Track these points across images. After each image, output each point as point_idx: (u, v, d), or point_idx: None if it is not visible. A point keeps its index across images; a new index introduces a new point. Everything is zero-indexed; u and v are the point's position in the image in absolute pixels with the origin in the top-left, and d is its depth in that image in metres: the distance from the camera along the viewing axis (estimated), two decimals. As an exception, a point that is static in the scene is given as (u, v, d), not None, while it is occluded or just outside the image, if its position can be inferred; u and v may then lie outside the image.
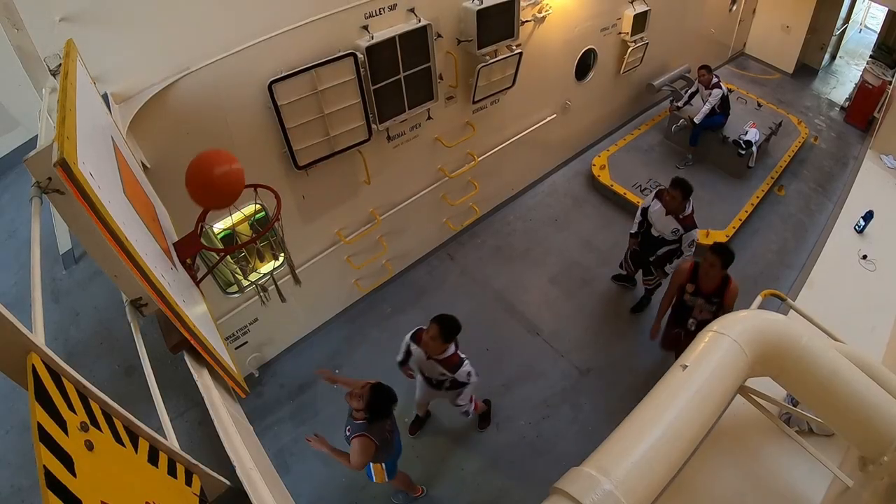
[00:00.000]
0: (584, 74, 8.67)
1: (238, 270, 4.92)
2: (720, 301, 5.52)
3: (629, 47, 8.69)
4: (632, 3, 8.39)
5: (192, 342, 2.77)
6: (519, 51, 6.44)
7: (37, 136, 3.70)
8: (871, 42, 13.34)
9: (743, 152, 8.90)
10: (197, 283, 3.49)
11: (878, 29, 13.09)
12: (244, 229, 5.01)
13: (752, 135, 9.00)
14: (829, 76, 13.25)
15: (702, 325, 4.95)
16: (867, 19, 15.46)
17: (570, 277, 7.69)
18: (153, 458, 2.07)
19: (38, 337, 1.71)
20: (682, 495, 4.36)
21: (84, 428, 1.65)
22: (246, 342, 6.11)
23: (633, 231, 6.68)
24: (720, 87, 8.83)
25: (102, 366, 5.80)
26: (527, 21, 6.75)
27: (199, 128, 4.61)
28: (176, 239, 3.52)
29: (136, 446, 1.97)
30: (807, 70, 13.05)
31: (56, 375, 1.65)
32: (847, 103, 11.81)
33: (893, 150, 9.59)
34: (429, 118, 6.42)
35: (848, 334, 4.91)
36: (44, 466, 1.34)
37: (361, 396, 4.14)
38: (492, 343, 6.81)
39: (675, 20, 9.86)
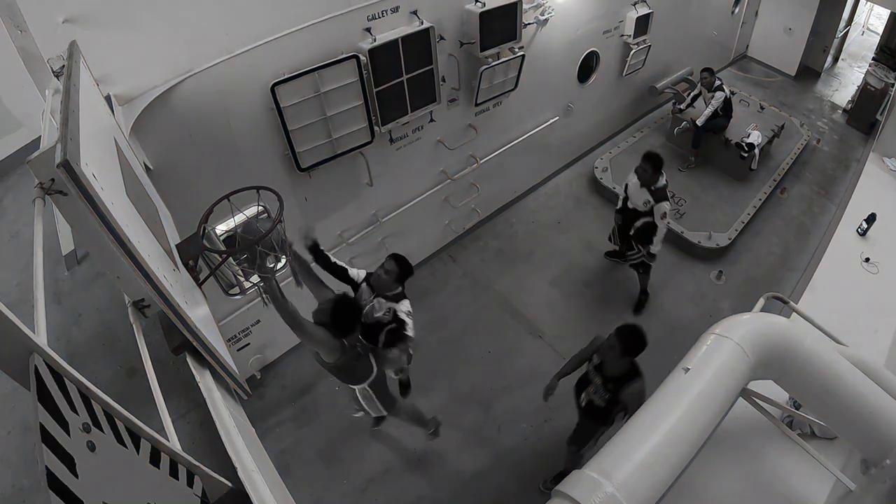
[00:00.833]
0: (586, 77, 8.67)
1: (240, 272, 4.92)
2: (615, 394, 4.57)
3: (632, 50, 8.68)
4: (634, 5, 8.39)
5: (194, 344, 2.77)
6: (521, 53, 6.43)
7: (40, 137, 3.70)
8: (873, 44, 13.32)
9: (745, 155, 8.89)
10: (199, 285, 3.49)
11: (881, 31, 13.08)
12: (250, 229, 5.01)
13: (755, 137, 8.99)
14: (832, 79, 13.23)
15: (590, 407, 4.83)
16: (870, 21, 15.43)
17: (572, 280, 7.69)
18: (155, 460, 2.07)
19: (41, 338, 1.72)
20: (683, 498, 4.35)
21: (86, 429, 1.65)
22: (248, 344, 6.10)
23: (618, 207, 7.03)
24: (722, 90, 8.82)
25: (104, 367, 5.82)
26: (529, 23, 6.75)
27: (201, 130, 4.62)
28: (178, 240, 3.53)
29: (137, 447, 1.98)
30: (809, 72, 13.03)
31: (58, 376, 1.66)
32: (849, 106, 11.78)
33: (896, 153, 9.58)
34: (431, 120, 6.43)
35: (850, 337, 4.90)
36: (46, 467, 1.35)
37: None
38: (494, 345, 6.81)
39: (678, 23, 9.85)
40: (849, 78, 13.22)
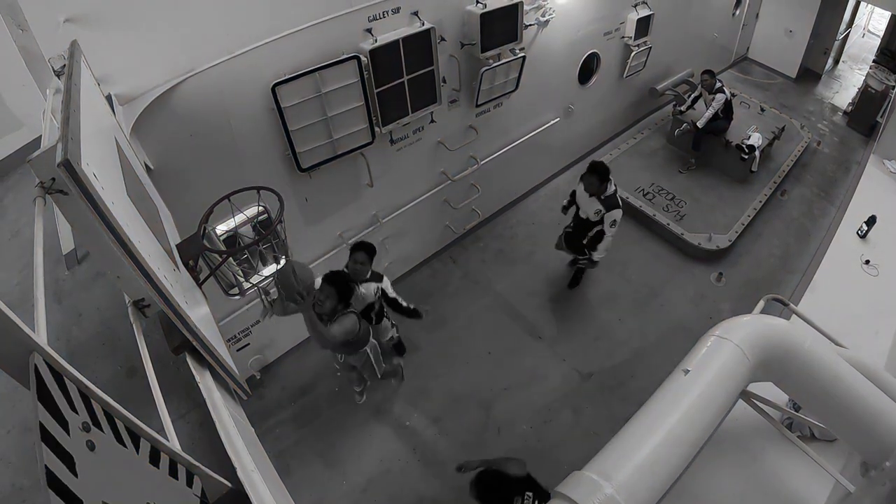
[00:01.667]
0: (587, 78, 8.67)
1: (240, 272, 4.92)
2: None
3: (632, 51, 8.69)
4: (635, 7, 8.40)
5: (194, 344, 2.77)
6: (522, 54, 6.44)
7: (40, 136, 3.70)
8: (874, 47, 13.35)
9: (746, 157, 8.89)
10: (199, 285, 3.49)
11: (882, 33, 13.10)
12: (247, 231, 5.02)
13: (755, 139, 9.00)
14: (832, 81, 13.24)
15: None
16: (870, 24, 15.44)
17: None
18: (154, 459, 2.07)
19: (41, 337, 1.72)
20: (683, 500, 4.35)
21: (86, 428, 1.66)
22: (248, 344, 6.11)
23: (564, 211, 6.94)
24: (723, 92, 8.82)
25: (104, 366, 5.81)
26: (530, 25, 6.75)
27: (202, 130, 4.62)
28: (179, 240, 3.53)
29: (137, 447, 1.98)
30: (810, 74, 13.04)
31: (58, 375, 1.66)
32: (850, 108, 11.79)
33: (896, 155, 9.59)
34: (432, 121, 6.43)
35: (850, 339, 4.90)
36: (45, 466, 1.35)
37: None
38: (494, 346, 6.81)
39: (679, 24, 9.86)
40: (849, 80, 13.23)
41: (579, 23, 7.63)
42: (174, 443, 2.31)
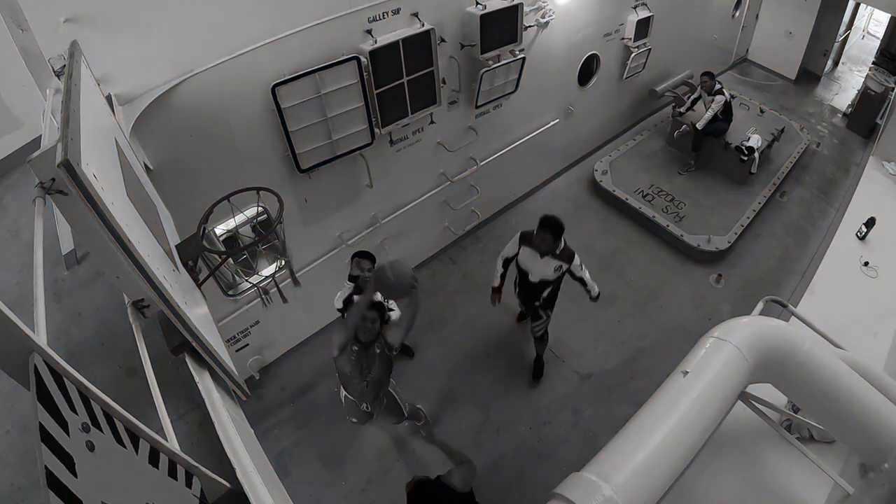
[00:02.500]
0: (586, 80, 8.68)
1: (240, 273, 4.93)
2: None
3: (632, 53, 8.71)
4: (635, 8, 8.41)
5: (194, 344, 2.78)
6: (522, 56, 6.45)
7: (40, 136, 3.71)
8: (873, 48, 13.36)
9: (745, 158, 8.89)
10: (199, 286, 3.49)
11: (881, 35, 13.11)
12: (247, 232, 5.02)
13: (755, 141, 9.00)
14: (832, 82, 13.24)
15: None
16: (870, 26, 15.45)
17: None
18: (154, 460, 2.07)
19: (41, 337, 1.72)
20: (682, 501, 4.35)
21: (85, 429, 1.66)
22: (247, 345, 6.11)
23: (495, 285, 6.06)
24: (723, 94, 8.83)
25: (104, 367, 5.81)
26: (530, 26, 6.76)
27: (202, 130, 4.63)
28: (178, 241, 3.53)
29: (136, 447, 1.98)
30: (809, 76, 13.04)
31: (58, 376, 1.66)
32: (849, 110, 11.79)
33: (896, 157, 9.59)
34: (431, 122, 6.43)
35: (849, 341, 4.90)
36: (45, 466, 1.35)
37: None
38: (493, 348, 6.81)
39: (678, 26, 9.87)
40: (849, 82, 13.23)
41: (579, 24, 7.64)
42: (173, 443, 2.31)
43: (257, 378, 6.40)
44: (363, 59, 5.04)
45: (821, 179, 9.91)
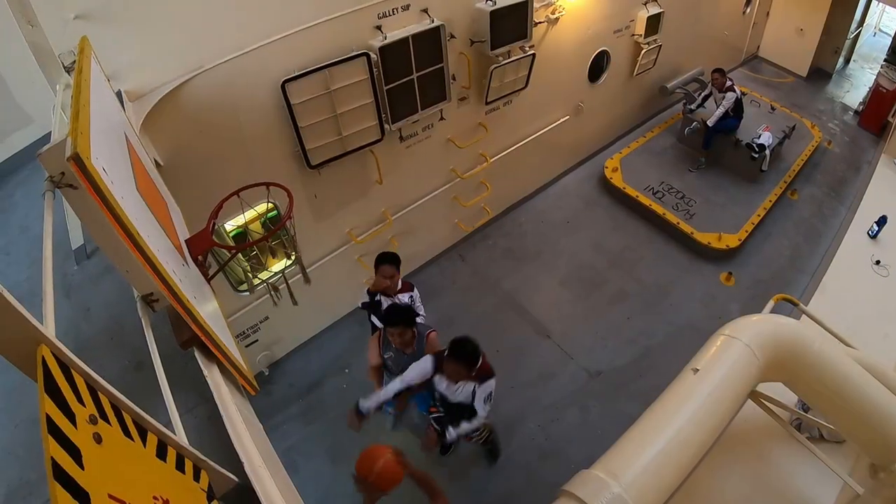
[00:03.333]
0: (597, 76, 8.65)
1: (249, 268, 4.94)
2: None
3: (642, 49, 8.67)
4: (645, 4, 8.37)
5: (203, 339, 2.78)
6: (532, 52, 6.43)
7: (50, 132, 3.72)
8: (885, 46, 13.22)
9: (756, 156, 8.84)
10: (208, 281, 3.50)
11: (893, 33, 12.99)
12: (256, 227, 5.03)
13: (766, 138, 8.95)
14: (843, 80, 13.16)
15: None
16: (881, 23, 15.32)
17: (580, 280, 7.67)
18: (161, 453, 2.07)
19: (49, 329, 1.72)
20: (691, 500, 4.34)
21: (93, 421, 1.66)
22: (256, 340, 6.12)
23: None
24: (734, 90, 8.78)
25: (112, 361, 5.82)
26: (540, 22, 6.74)
27: (211, 126, 4.64)
28: (188, 236, 3.54)
29: (144, 440, 1.98)
30: (820, 73, 12.96)
31: (66, 368, 1.66)
32: (861, 107, 11.72)
33: (908, 155, 9.53)
34: (441, 119, 6.42)
35: (860, 340, 4.87)
36: (52, 458, 1.34)
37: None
38: (502, 345, 6.78)
39: (689, 22, 9.83)
40: (860, 79, 13.14)
41: (589, 21, 7.61)
42: (181, 437, 2.31)
43: (266, 374, 6.42)
44: (373, 56, 5.03)
45: (832, 177, 9.85)
